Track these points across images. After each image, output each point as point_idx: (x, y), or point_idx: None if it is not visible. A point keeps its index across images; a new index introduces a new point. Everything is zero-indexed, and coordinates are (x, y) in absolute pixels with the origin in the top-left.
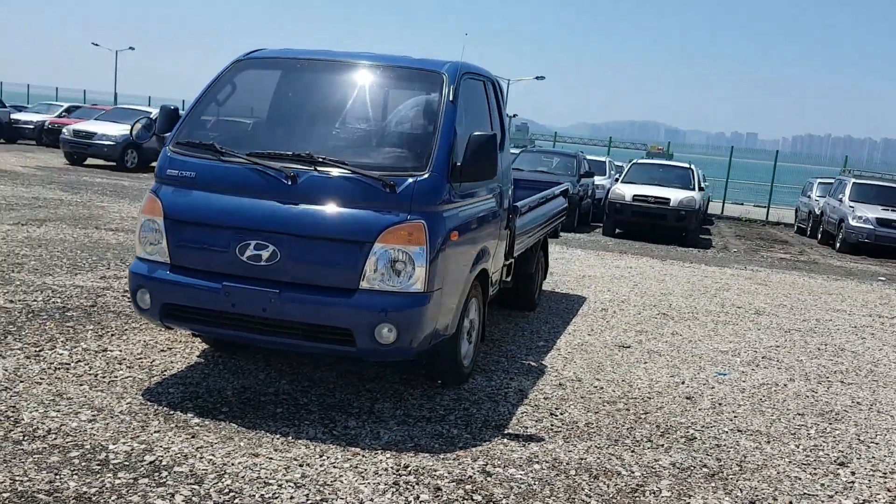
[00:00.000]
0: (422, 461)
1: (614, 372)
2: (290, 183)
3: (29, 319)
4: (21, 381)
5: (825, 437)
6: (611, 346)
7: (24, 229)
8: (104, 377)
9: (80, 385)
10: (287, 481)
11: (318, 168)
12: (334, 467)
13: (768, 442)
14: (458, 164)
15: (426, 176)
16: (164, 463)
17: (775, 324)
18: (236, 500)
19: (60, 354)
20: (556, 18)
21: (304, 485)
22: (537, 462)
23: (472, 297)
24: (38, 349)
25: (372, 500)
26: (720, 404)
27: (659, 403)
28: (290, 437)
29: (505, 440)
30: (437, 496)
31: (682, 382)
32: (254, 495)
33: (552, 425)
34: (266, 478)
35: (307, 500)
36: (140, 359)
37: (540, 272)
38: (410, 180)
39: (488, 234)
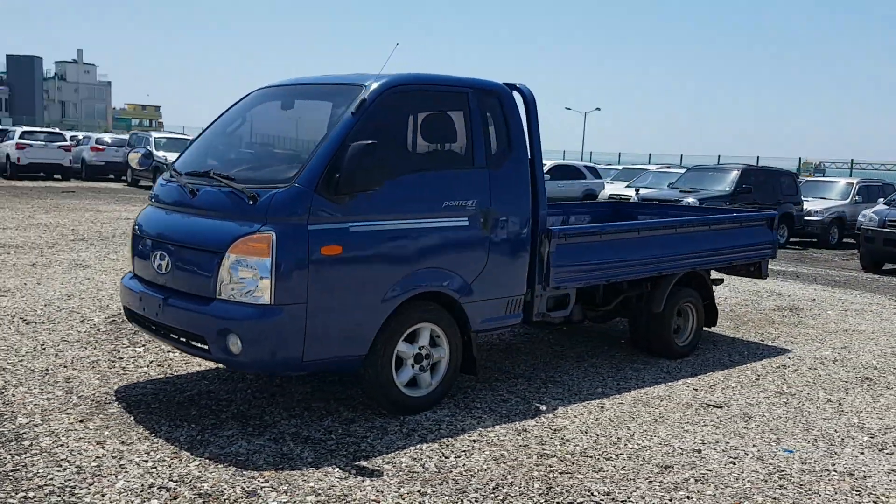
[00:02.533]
0: (201, 473)
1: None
2: (191, 197)
3: None
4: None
5: None
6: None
7: None
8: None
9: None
10: (109, 468)
11: (212, 183)
12: (165, 466)
13: None
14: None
15: (286, 188)
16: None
17: None
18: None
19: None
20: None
21: (121, 473)
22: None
23: (415, 321)
24: None
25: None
26: None
27: None
28: (160, 438)
29: (339, 472)
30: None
31: None
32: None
33: (412, 471)
34: (89, 461)
35: (78, 481)
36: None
37: (691, 316)
38: (271, 192)
39: (445, 256)
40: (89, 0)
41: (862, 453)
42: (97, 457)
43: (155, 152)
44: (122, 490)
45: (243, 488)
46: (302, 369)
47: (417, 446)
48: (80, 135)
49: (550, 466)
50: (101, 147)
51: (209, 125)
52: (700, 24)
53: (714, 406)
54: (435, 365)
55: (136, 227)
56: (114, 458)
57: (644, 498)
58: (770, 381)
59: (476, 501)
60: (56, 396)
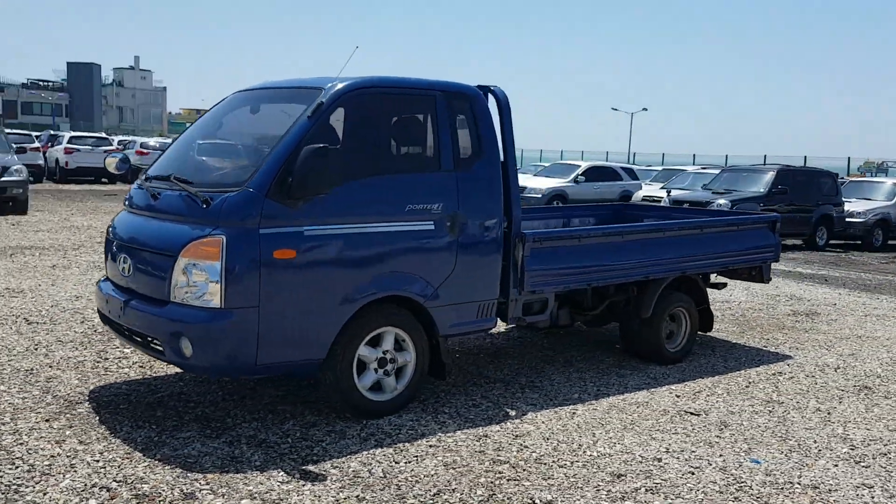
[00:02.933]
0: (146, 474)
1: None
2: (153, 201)
3: None
4: None
5: None
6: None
7: None
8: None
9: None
10: (60, 467)
11: (173, 187)
12: (113, 467)
13: None
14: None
15: (238, 191)
16: None
17: None
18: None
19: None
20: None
21: (69, 472)
22: None
23: (378, 325)
24: None
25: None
26: None
27: None
28: (119, 438)
29: (283, 476)
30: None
31: None
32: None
33: (357, 476)
34: (43, 460)
35: (26, 480)
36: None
37: (684, 321)
38: (223, 196)
39: (409, 260)
40: (147, 8)
41: (836, 465)
42: (52, 456)
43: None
44: (65, 489)
45: (182, 490)
46: (256, 373)
47: (371, 451)
48: (128, 139)
49: (500, 473)
50: (146, 151)
51: (186, 129)
52: (752, 23)
53: (692, 413)
54: (401, 369)
55: (109, 230)
56: (68, 457)
57: None
58: (760, 388)
59: None
60: (31, 396)
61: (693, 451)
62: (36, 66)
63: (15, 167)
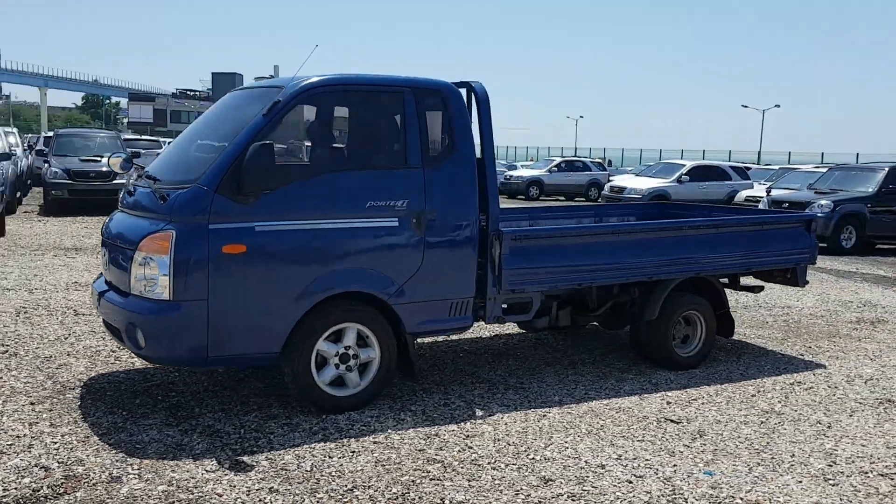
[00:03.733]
0: (88, 457)
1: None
2: (129, 198)
3: None
4: None
5: None
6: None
7: None
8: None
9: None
10: (18, 447)
11: (145, 184)
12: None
13: None
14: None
15: (189, 188)
16: None
17: None
18: None
19: None
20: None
21: (23, 452)
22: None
23: (338, 320)
24: None
25: None
26: None
27: None
28: (87, 423)
29: (213, 465)
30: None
31: None
32: None
33: (284, 469)
34: (7, 440)
35: None
36: None
37: (699, 326)
38: (177, 192)
39: (370, 256)
40: (287, 20)
41: (800, 482)
42: (18, 436)
43: None
44: (10, 468)
45: (111, 473)
46: (208, 364)
47: (312, 445)
48: None
49: (426, 473)
50: None
51: (188, 128)
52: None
53: (672, 421)
54: (367, 365)
55: (102, 227)
56: (31, 438)
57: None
58: (767, 398)
59: (320, 502)
60: (34, 381)
61: (647, 460)
62: (185, 76)
63: None
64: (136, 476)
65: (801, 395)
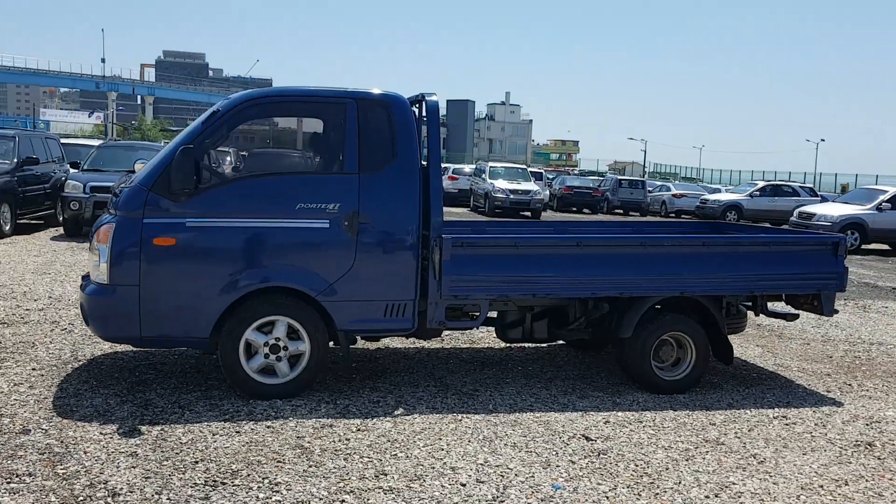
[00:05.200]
0: (31, 415)
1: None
2: (115, 198)
3: None
4: None
5: None
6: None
7: None
8: None
9: None
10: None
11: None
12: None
13: None
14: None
15: (131, 186)
16: None
17: None
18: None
19: None
20: None
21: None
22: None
23: (268, 313)
24: None
25: None
26: None
27: None
28: (60, 388)
29: (105, 429)
30: None
31: None
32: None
33: (143, 439)
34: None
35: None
36: None
37: (689, 350)
38: (124, 189)
39: (298, 255)
40: (520, 50)
41: None
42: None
43: (489, 180)
44: None
45: (24, 426)
46: (143, 343)
47: (210, 423)
48: (448, 166)
49: (277, 455)
50: (456, 176)
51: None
52: None
53: (587, 438)
54: (300, 357)
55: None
56: (4, 395)
57: (262, 484)
58: (726, 429)
59: (160, 468)
60: (57, 351)
61: (511, 468)
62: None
63: None
64: (42, 431)
65: (769, 430)
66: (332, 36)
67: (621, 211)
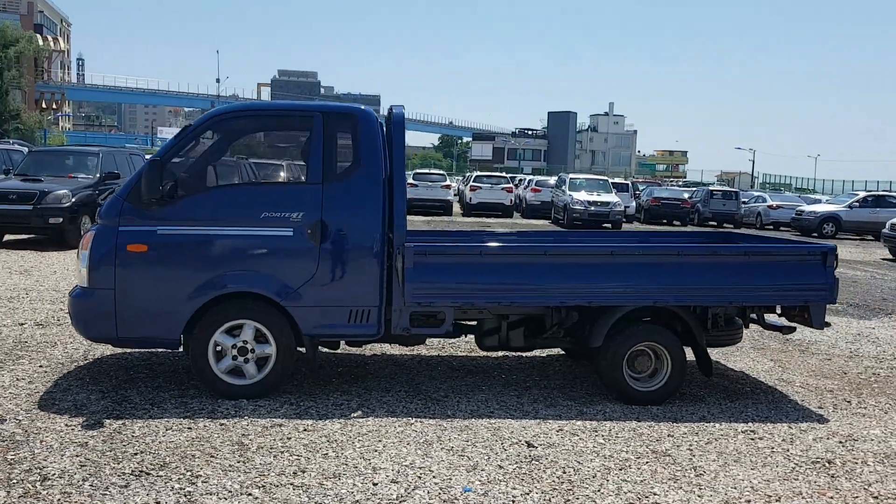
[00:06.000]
0: (15, 407)
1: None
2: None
3: None
4: None
5: None
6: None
7: None
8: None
9: None
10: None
11: None
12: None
13: None
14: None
15: (112, 197)
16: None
17: None
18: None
19: None
20: None
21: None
22: None
23: (235, 317)
24: None
25: None
26: None
27: None
28: (61, 384)
29: (72, 421)
30: None
31: None
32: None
33: (95, 431)
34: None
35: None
36: None
37: (665, 361)
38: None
39: (262, 261)
40: (622, 57)
41: None
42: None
43: (568, 191)
44: None
45: (1, 416)
46: (120, 343)
47: (169, 420)
48: (520, 176)
49: (213, 450)
50: (539, 189)
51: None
52: None
53: (529, 444)
54: (267, 359)
55: None
56: (2, 388)
57: (182, 476)
58: (682, 440)
59: (101, 458)
60: (73, 351)
61: (431, 470)
62: (523, 116)
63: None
64: (16, 421)
65: (727, 444)
66: (438, 54)
67: (714, 223)
